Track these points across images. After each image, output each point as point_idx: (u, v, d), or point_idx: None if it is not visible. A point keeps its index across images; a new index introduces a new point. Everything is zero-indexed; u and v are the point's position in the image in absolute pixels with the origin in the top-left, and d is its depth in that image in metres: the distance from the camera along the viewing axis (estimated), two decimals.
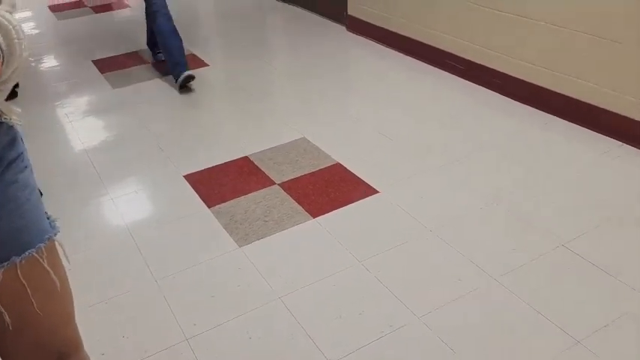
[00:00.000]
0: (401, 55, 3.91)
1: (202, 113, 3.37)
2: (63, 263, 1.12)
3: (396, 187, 2.52)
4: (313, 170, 2.68)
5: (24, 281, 1.00)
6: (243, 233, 2.29)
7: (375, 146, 2.86)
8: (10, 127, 0.98)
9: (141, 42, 4.52)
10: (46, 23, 5.29)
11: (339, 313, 1.88)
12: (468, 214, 2.31)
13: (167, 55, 3.67)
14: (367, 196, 2.47)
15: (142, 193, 2.62)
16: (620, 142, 2.72)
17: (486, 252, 2.10)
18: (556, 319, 1.80)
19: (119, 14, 5.41)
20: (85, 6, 5.65)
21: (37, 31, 5.12)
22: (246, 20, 4.96)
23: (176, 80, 3.57)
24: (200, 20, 5.30)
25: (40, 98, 3.66)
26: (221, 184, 2.63)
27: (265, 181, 2.62)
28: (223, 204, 2.48)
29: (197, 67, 4.00)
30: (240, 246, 2.22)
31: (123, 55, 4.29)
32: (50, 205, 1.11)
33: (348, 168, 2.68)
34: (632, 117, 2.66)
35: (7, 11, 0.87)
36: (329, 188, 2.54)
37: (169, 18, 3.67)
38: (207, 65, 4.03)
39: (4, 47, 0.85)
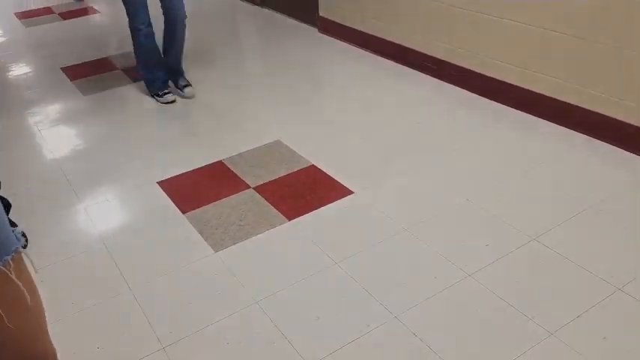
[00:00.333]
0: (373, 55, 3.93)
1: (174, 119, 3.34)
2: (32, 275, 1.10)
3: (371, 187, 2.53)
4: (288, 173, 2.68)
5: None
6: (218, 238, 2.27)
7: (350, 147, 2.87)
8: None
9: (111, 48, 4.48)
10: (13, 31, 5.19)
11: (317, 315, 1.88)
12: (442, 213, 2.34)
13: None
14: (342, 197, 2.48)
15: (114, 201, 2.59)
16: (589, 137, 2.78)
17: (461, 249, 2.12)
18: (530, 313, 1.83)
19: (88, 20, 5.33)
20: (53, 12, 5.56)
21: (3, 39, 5.02)
22: (217, 24, 4.94)
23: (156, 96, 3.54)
24: None
25: (8, 107, 3.59)
26: (195, 189, 2.62)
27: (240, 185, 2.61)
28: (198, 209, 2.46)
29: None
30: (215, 251, 2.20)
31: (93, 61, 4.24)
32: (21, 216, 1.10)
33: (322, 170, 2.68)
34: (599, 111, 2.72)
35: None
36: (304, 190, 2.55)
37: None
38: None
39: None
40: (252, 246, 2.23)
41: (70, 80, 3.93)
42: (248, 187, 2.60)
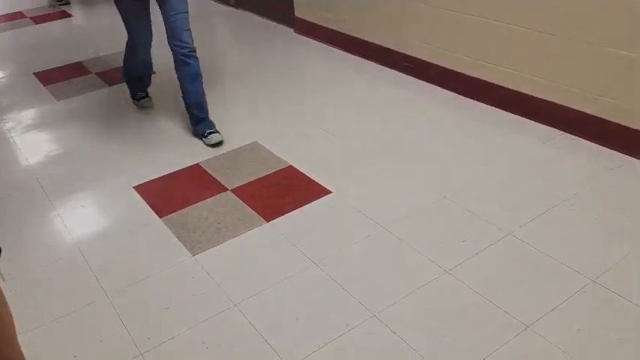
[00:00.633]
0: (349, 55, 3.94)
1: (151, 122, 3.31)
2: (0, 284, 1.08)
3: (349, 186, 2.53)
4: (265, 174, 2.67)
5: None
6: (196, 241, 2.26)
7: (327, 147, 2.87)
8: None
9: (84, 52, 4.41)
10: None
11: (296, 316, 1.88)
12: (420, 210, 2.35)
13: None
14: (320, 196, 2.48)
15: (90, 206, 2.55)
16: (561, 131, 2.82)
17: (438, 245, 2.14)
18: (506, 307, 1.85)
19: (60, 25, 5.26)
20: (25, 17, 5.47)
21: None
22: (193, 25, 4.89)
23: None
24: None
25: None
26: (172, 193, 2.60)
27: (217, 188, 2.60)
28: (175, 213, 2.44)
29: None
30: (193, 255, 2.19)
31: (66, 66, 4.18)
32: None
33: (300, 170, 2.68)
34: (576, 108, 2.75)
35: None
36: (282, 191, 2.54)
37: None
38: (154, 72, 3.95)
39: None
40: (231, 248, 2.22)
41: (43, 85, 3.87)
42: (226, 189, 2.59)
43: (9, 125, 3.35)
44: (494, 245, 2.12)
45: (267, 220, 2.35)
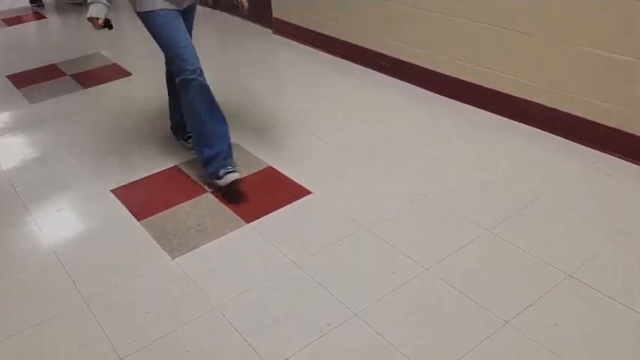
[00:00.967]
0: (328, 55, 3.94)
1: (127, 124, 3.27)
2: None
3: (328, 187, 2.54)
4: (245, 175, 2.66)
5: None
6: (176, 244, 2.24)
7: (306, 148, 2.87)
8: None
9: (58, 54, 4.35)
10: None
11: (277, 317, 1.87)
12: (399, 209, 2.36)
13: (201, 144, 2.52)
14: (300, 197, 2.48)
15: (66, 211, 2.51)
16: (541, 130, 2.86)
17: (417, 244, 2.16)
18: (485, 303, 1.87)
19: (34, 26, 5.17)
20: None
21: None
22: None
23: (216, 178, 2.50)
24: (122, 27, 5.14)
25: None
26: (151, 196, 2.57)
27: (196, 190, 2.58)
28: (153, 216, 2.41)
29: (119, 77, 3.89)
30: (173, 258, 2.17)
31: (40, 68, 4.11)
32: None
33: (280, 171, 2.68)
34: (551, 105, 2.80)
35: None
36: (262, 192, 2.53)
37: (206, 86, 2.45)
38: (130, 74, 3.92)
39: None
40: (211, 251, 2.20)
41: (17, 88, 3.80)
42: (205, 191, 2.57)
43: None
44: (472, 243, 2.14)
45: (248, 222, 2.34)
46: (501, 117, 3.00)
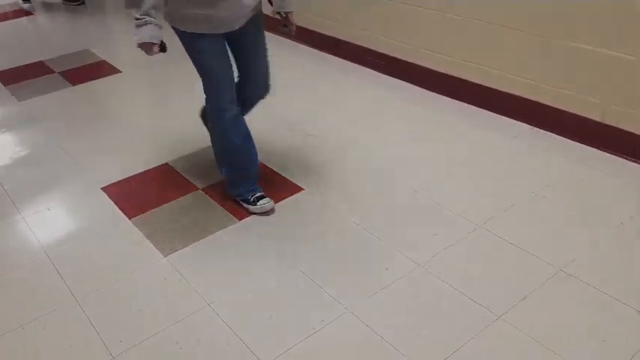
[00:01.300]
0: (328, 55, 3.93)
1: (116, 123, 3.24)
2: None
3: (321, 183, 2.54)
4: None
5: None
6: (168, 242, 2.23)
7: (298, 144, 2.87)
8: None
9: (46, 51, 4.30)
10: None
11: (270, 314, 1.87)
12: (391, 205, 2.37)
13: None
14: (293, 194, 2.47)
15: (56, 209, 2.49)
16: (530, 126, 2.87)
17: (410, 239, 2.16)
18: (479, 298, 1.88)
19: (20, 23, 5.11)
20: None
21: None
22: None
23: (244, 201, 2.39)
24: (111, 23, 5.10)
25: None
26: (142, 193, 2.55)
27: (188, 187, 2.57)
28: (145, 214, 2.40)
29: (109, 75, 3.86)
30: (165, 255, 2.16)
31: (27, 65, 4.06)
32: None
33: (272, 168, 2.67)
34: (541, 101, 2.81)
35: None
36: None
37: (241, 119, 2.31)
38: (120, 72, 3.89)
39: None
40: (202, 248, 2.19)
41: (4, 86, 3.75)
42: (196, 188, 2.56)
43: None
44: (465, 238, 2.15)
45: (239, 219, 2.33)
46: (496, 114, 3.01)
